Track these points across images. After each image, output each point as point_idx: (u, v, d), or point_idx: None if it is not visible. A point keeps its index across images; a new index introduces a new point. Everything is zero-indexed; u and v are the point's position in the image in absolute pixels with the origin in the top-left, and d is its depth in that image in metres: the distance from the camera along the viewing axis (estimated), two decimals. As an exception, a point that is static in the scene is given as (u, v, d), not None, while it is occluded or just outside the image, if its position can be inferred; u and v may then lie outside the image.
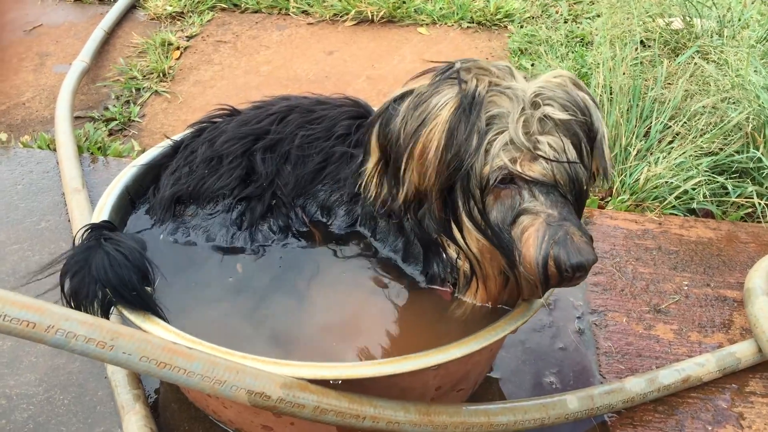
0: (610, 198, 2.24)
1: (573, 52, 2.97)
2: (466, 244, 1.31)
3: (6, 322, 0.99)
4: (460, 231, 1.31)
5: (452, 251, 1.37)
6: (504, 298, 1.39)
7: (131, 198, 1.62)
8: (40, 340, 1.02)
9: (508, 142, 1.23)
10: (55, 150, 2.28)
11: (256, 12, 3.36)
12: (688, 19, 2.92)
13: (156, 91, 2.77)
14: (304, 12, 3.33)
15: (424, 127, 1.26)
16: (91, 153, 2.33)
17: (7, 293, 1.02)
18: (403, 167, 1.30)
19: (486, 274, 1.35)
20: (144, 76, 2.85)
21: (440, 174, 1.26)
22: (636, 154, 2.28)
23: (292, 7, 3.33)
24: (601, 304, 1.85)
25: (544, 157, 1.23)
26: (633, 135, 2.33)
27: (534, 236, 1.23)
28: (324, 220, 1.59)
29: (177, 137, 1.71)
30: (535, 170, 1.23)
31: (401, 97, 1.32)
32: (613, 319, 1.81)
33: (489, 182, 1.24)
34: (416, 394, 1.34)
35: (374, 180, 1.38)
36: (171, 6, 3.30)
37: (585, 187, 1.31)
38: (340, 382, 1.21)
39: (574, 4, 3.48)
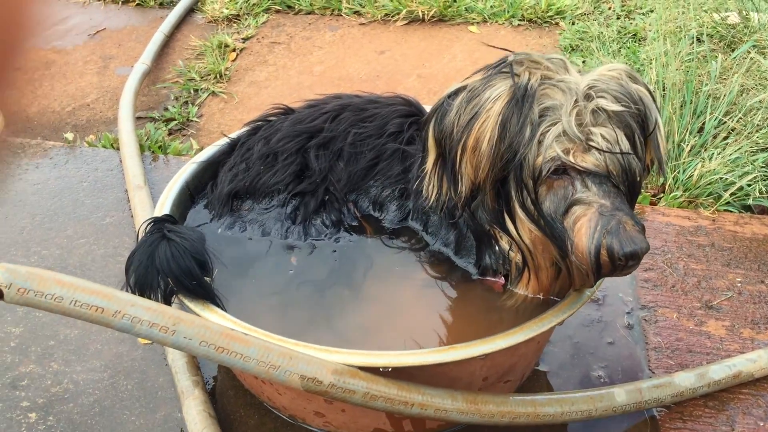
0: (662, 194, 2.23)
1: (625, 48, 2.95)
2: (518, 234, 1.34)
3: (77, 307, 1.06)
4: (513, 222, 1.34)
5: (504, 243, 1.40)
6: (556, 289, 1.41)
7: (191, 193, 1.69)
8: (107, 324, 1.08)
9: (561, 133, 1.25)
10: (118, 149, 2.38)
11: (309, 13, 3.43)
12: (744, 13, 2.87)
13: (213, 91, 2.85)
14: (356, 12, 3.39)
15: (476, 120, 1.29)
16: (152, 152, 2.43)
17: (78, 280, 1.09)
18: (458, 161, 1.33)
19: (538, 265, 1.38)
20: (202, 78, 2.94)
21: (493, 165, 1.29)
22: (690, 150, 2.26)
23: (345, 8, 3.38)
24: (651, 300, 1.84)
25: (596, 148, 1.25)
26: (687, 131, 2.31)
27: (586, 226, 1.25)
28: (376, 214, 1.63)
29: (234, 135, 1.78)
30: (588, 161, 1.25)
31: (455, 93, 1.36)
32: (663, 315, 1.80)
33: (542, 173, 1.26)
34: (463, 383, 1.37)
35: (434, 178, 1.42)
36: (227, 9, 3.40)
37: (638, 179, 1.31)
38: (389, 369, 1.25)
39: (628, -1, 3.45)
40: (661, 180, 2.23)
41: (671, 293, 1.86)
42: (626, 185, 1.28)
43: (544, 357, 1.69)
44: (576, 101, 1.26)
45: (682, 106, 2.35)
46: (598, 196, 1.26)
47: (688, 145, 2.25)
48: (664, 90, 2.41)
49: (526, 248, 1.35)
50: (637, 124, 1.30)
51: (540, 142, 1.26)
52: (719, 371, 1.57)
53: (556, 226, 1.28)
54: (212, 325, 1.16)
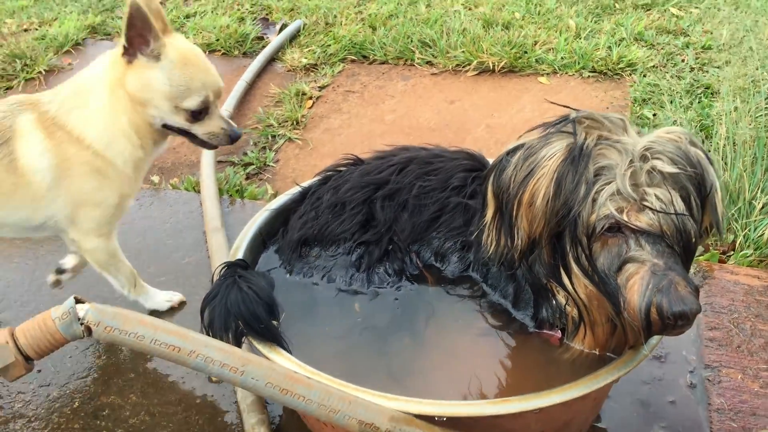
0: (732, 252, 2.20)
1: (697, 103, 2.94)
2: (574, 289, 1.37)
3: (156, 346, 1.15)
4: (569, 277, 1.37)
5: (561, 297, 1.43)
6: (612, 345, 1.43)
7: (263, 239, 1.79)
8: (183, 362, 1.17)
9: (616, 192, 1.29)
10: (199, 192, 2.52)
11: (383, 63, 3.55)
12: (823, 68, 2.83)
13: (289, 137, 2.99)
14: (428, 63, 3.49)
15: (532, 176, 1.34)
16: (230, 195, 2.56)
17: (158, 321, 1.18)
18: (514, 215, 1.38)
19: (594, 321, 1.40)
20: (279, 124, 3.08)
21: (548, 221, 1.34)
22: (761, 209, 2.23)
23: (417, 59, 3.50)
24: (715, 360, 1.82)
25: (650, 208, 1.28)
26: (758, 188, 2.28)
27: (639, 283, 1.27)
28: (438, 265, 1.69)
29: (305, 184, 1.87)
30: (642, 220, 1.28)
31: (514, 150, 1.41)
32: (727, 376, 1.78)
33: (596, 230, 1.30)
34: (518, 436, 1.40)
35: (492, 231, 1.47)
36: (306, 58, 3.56)
37: (693, 240, 1.33)
38: (444, 419, 1.29)
39: (702, 52, 3.44)
40: (731, 238, 2.21)
41: (737, 353, 1.84)
42: (681, 246, 1.30)
43: (604, 413, 1.69)
44: (631, 161, 1.30)
45: (753, 163, 2.33)
46: (652, 255, 1.28)
47: (759, 202, 2.23)
48: (734, 146, 2.39)
49: (581, 303, 1.38)
50: (694, 187, 1.32)
51: (594, 200, 1.30)
52: (783, 437, 1.54)
53: (610, 283, 1.31)
54: (278, 368, 1.23)
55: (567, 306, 1.43)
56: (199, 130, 1.79)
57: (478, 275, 1.66)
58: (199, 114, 1.75)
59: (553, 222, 1.34)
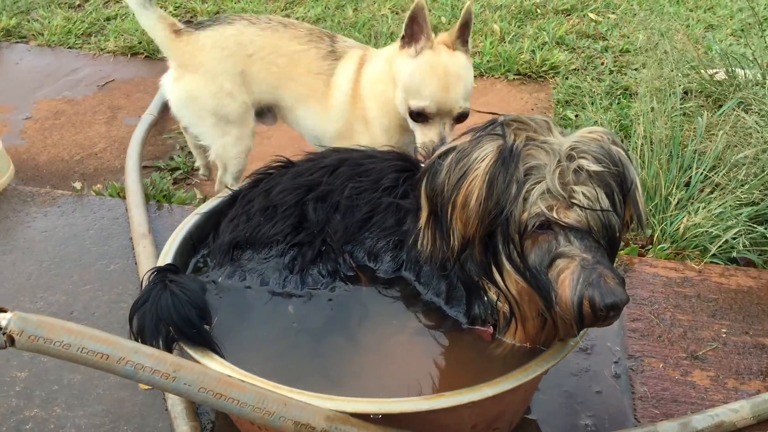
0: (650, 246, 2.30)
1: (616, 104, 3.06)
2: (505, 286, 1.40)
3: (84, 354, 1.12)
4: (500, 273, 1.40)
5: (492, 294, 1.46)
6: (542, 339, 1.47)
7: (193, 243, 1.76)
8: (112, 370, 1.14)
9: (545, 191, 1.33)
10: (124, 198, 2.46)
11: (311, 66, 3.54)
12: (731, 70, 2.98)
13: (217, 142, 2.94)
14: (357, 66, 3.50)
15: (465, 179, 1.37)
16: (157, 201, 2.50)
17: (85, 328, 1.15)
18: (448, 217, 1.40)
19: (525, 316, 1.44)
20: (206, 128, 3.03)
21: (482, 221, 1.36)
22: (676, 204, 2.34)
23: (346, 62, 3.50)
24: (638, 350, 1.90)
25: (578, 205, 1.32)
26: (673, 185, 2.39)
27: (570, 278, 1.31)
28: (371, 265, 1.70)
29: (236, 188, 1.85)
30: (570, 217, 1.32)
31: (445, 153, 1.44)
32: (649, 365, 1.85)
33: (527, 227, 1.33)
34: (453, 430, 1.42)
35: (427, 233, 1.49)
36: (232, 62, 3.51)
37: (617, 234, 1.38)
38: (380, 416, 1.30)
39: (620, 55, 3.58)
40: (649, 232, 2.30)
41: (658, 343, 1.92)
42: (606, 240, 1.35)
43: (534, 405, 1.74)
44: (559, 161, 1.34)
45: (669, 160, 2.44)
46: (580, 250, 1.32)
47: (674, 198, 2.33)
48: (651, 145, 2.50)
49: (513, 299, 1.42)
50: (616, 184, 1.37)
51: (525, 199, 1.33)
52: (702, 421, 1.62)
53: (541, 278, 1.35)
54: (211, 372, 1.22)
55: (498, 302, 1.46)
56: (419, 133, 2.01)
57: (411, 274, 1.67)
58: (417, 117, 1.98)
59: (486, 222, 1.36)
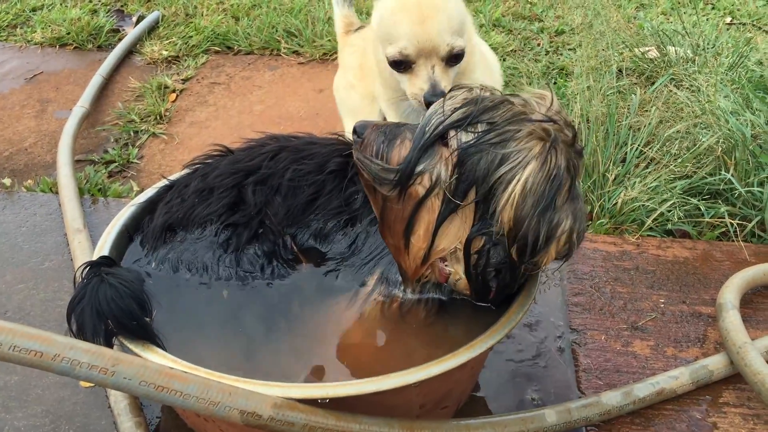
0: (590, 222, 2.34)
1: (553, 83, 3.10)
2: None
3: (16, 353, 1.08)
4: None
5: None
6: None
7: (130, 235, 1.71)
8: (47, 368, 1.10)
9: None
10: (57, 193, 2.38)
11: (248, 54, 3.49)
12: (662, 48, 3.05)
13: (153, 133, 2.88)
14: (295, 52, 3.47)
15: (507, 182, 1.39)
16: (92, 195, 2.43)
17: (16, 326, 1.11)
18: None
19: None
20: (142, 119, 2.96)
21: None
22: (614, 180, 2.38)
23: (284, 48, 3.46)
24: (580, 323, 1.93)
25: None
26: (610, 161, 2.43)
27: None
28: (319, 246, 1.67)
29: (173, 177, 1.81)
30: None
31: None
32: (592, 338, 1.89)
33: None
34: (401, 411, 1.42)
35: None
36: (166, 50, 3.44)
37: None
38: (327, 400, 1.29)
39: (555, 36, 3.62)
40: (589, 208, 2.34)
41: (599, 316, 1.96)
42: None
43: (481, 382, 1.75)
44: None
45: (605, 138, 2.48)
46: None
47: (612, 174, 2.37)
48: (588, 123, 2.54)
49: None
50: None
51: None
52: (643, 389, 1.66)
53: None
54: (151, 365, 1.19)
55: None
56: (407, 86, 1.71)
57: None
58: (399, 66, 1.69)
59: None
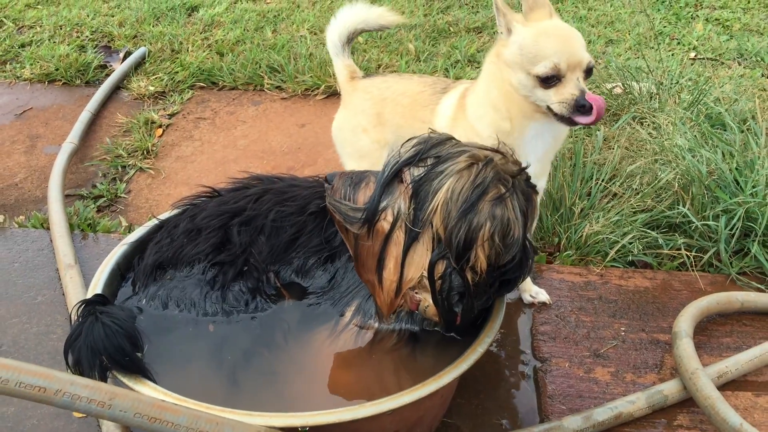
0: (557, 253, 2.47)
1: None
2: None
3: (21, 388, 1.18)
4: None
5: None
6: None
7: (121, 273, 1.82)
8: (49, 402, 1.21)
9: None
10: (48, 228, 2.48)
11: (232, 89, 3.62)
12: (627, 84, 3.21)
13: (140, 167, 2.99)
14: (278, 87, 3.60)
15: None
16: (82, 230, 2.53)
17: (21, 363, 1.21)
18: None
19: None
20: (129, 154, 3.07)
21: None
22: (579, 213, 2.52)
23: (267, 84, 3.59)
24: (546, 351, 2.06)
25: None
26: (576, 196, 2.57)
27: None
28: (301, 281, 1.80)
29: (162, 216, 1.92)
30: None
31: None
32: (557, 365, 2.01)
33: None
34: (376, 437, 1.54)
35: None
36: (153, 86, 3.56)
37: None
38: (307, 429, 1.40)
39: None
40: (556, 240, 2.47)
41: (564, 344, 2.08)
42: None
43: (452, 410, 1.87)
44: None
45: (572, 173, 2.63)
46: None
47: (578, 208, 2.51)
48: (556, 158, 2.68)
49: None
50: None
51: None
52: (603, 413, 1.78)
53: None
54: (144, 398, 1.29)
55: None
56: (554, 95, 1.87)
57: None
58: (549, 81, 1.86)
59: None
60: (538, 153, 2.00)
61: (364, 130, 2.29)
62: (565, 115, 1.87)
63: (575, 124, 1.89)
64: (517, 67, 1.90)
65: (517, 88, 1.92)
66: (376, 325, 1.72)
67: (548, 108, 1.90)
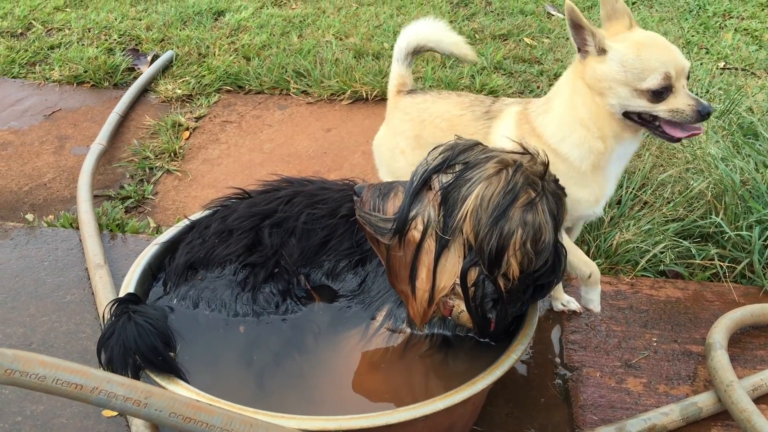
0: (586, 262, 2.44)
1: (552, 126, 3.22)
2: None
3: (58, 385, 1.18)
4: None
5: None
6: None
7: (153, 273, 1.82)
8: (86, 399, 1.20)
9: None
10: (77, 228, 2.49)
11: (259, 93, 3.63)
12: (656, 93, 3.18)
13: (168, 170, 3.00)
14: (304, 92, 3.60)
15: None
16: (110, 230, 2.54)
17: (59, 360, 1.21)
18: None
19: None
20: (156, 156, 3.08)
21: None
22: (609, 221, 2.50)
23: (293, 88, 3.60)
24: (577, 361, 2.03)
25: None
26: (606, 204, 2.54)
27: None
28: (331, 284, 1.79)
29: (193, 217, 1.92)
30: None
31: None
32: (587, 374, 1.99)
33: None
34: (408, 444, 1.52)
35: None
36: (180, 89, 3.57)
37: None
38: (340, 433, 1.39)
39: (555, 78, 3.76)
40: (585, 248, 2.45)
41: (595, 353, 2.06)
42: None
43: (483, 418, 1.84)
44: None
45: (601, 181, 2.60)
46: None
47: (608, 216, 2.49)
48: (585, 166, 2.65)
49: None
50: None
51: None
52: (636, 425, 1.75)
53: None
54: (180, 398, 1.28)
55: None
56: (663, 108, 1.79)
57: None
58: (661, 94, 1.78)
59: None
60: (617, 172, 1.96)
61: (402, 151, 2.24)
62: (675, 128, 1.80)
63: (677, 139, 1.83)
64: (619, 84, 1.80)
65: (616, 105, 1.82)
66: (408, 330, 1.71)
67: (650, 122, 1.82)
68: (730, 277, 2.33)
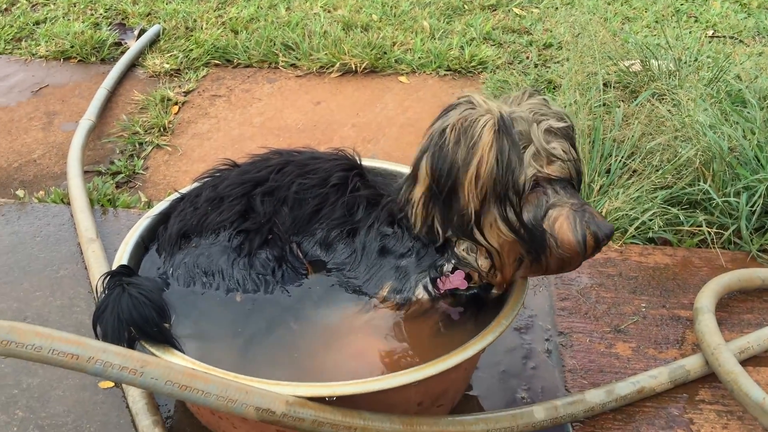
0: (576, 230, 2.46)
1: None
2: (487, 241, 1.56)
3: (55, 356, 1.19)
4: (482, 232, 1.55)
5: (461, 250, 1.63)
6: (516, 277, 1.67)
7: (146, 246, 1.83)
8: (82, 369, 1.22)
9: (535, 152, 1.51)
10: (68, 204, 2.49)
11: (247, 66, 3.61)
12: (645, 62, 3.19)
13: (157, 144, 2.99)
14: (293, 65, 3.58)
15: (474, 153, 1.50)
16: (102, 205, 2.54)
17: (54, 331, 1.22)
18: (458, 190, 1.53)
19: (503, 263, 1.61)
20: (146, 131, 3.07)
21: (492, 189, 1.51)
22: (599, 190, 2.51)
23: (281, 61, 3.58)
24: (567, 327, 2.06)
25: (560, 159, 1.52)
26: (595, 172, 2.56)
27: (567, 223, 1.51)
28: (323, 256, 1.79)
29: (184, 190, 1.92)
30: (556, 170, 1.52)
31: (442, 132, 1.55)
32: (577, 340, 2.02)
33: (525, 189, 1.51)
34: (401, 408, 1.54)
35: (419, 207, 1.62)
36: (168, 64, 3.55)
37: (581, 177, 1.61)
38: (334, 398, 1.41)
39: (544, 49, 3.75)
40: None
41: (584, 320, 2.09)
42: (578, 184, 1.58)
43: (474, 382, 1.87)
44: (532, 124, 1.52)
45: (591, 150, 2.61)
46: (567, 197, 1.53)
47: (597, 185, 2.50)
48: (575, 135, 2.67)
49: (495, 250, 1.58)
50: (571, 135, 1.58)
51: (521, 164, 1.49)
52: (625, 387, 1.79)
53: (536, 231, 1.52)
54: (176, 366, 1.30)
55: (477, 259, 1.63)
56: None
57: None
58: None
59: (495, 189, 1.50)
60: None
61: None
62: None
63: None
64: None
65: None
66: (426, 296, 1.70)
67: None
68: (717, 243, 2.36)
